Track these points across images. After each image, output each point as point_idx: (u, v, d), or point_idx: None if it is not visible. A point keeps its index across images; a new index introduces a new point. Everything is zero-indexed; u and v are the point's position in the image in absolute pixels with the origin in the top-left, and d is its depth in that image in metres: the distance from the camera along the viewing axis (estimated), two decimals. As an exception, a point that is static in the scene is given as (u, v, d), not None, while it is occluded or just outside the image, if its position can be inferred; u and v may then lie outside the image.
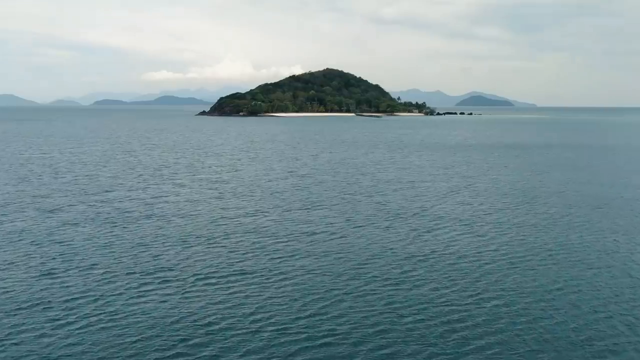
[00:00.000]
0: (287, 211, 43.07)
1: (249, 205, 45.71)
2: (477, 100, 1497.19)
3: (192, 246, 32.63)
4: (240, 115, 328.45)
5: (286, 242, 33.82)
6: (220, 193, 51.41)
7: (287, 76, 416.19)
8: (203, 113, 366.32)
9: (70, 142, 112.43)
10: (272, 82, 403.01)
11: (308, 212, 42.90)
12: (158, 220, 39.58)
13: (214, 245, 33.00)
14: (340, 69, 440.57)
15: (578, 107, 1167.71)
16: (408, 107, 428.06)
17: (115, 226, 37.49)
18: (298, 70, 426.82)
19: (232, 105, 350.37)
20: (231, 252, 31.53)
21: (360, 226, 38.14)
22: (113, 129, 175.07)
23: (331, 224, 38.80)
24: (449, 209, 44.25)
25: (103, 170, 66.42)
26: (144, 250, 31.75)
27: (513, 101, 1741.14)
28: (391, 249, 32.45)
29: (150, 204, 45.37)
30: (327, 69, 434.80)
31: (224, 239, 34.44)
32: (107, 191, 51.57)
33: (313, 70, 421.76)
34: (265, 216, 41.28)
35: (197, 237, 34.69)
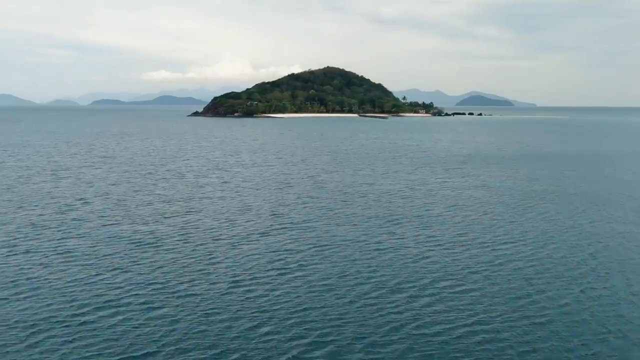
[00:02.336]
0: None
1: (177, 334, 20.31)
2: (477, 100, 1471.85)
3: None
4: (235, 116, 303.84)
5: None
6: (132, 280, 26.00)
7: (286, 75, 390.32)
8: (196, 114, 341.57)
9: (1, 153, 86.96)
10: (270, 80, 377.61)
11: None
12: None
13: None
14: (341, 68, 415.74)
15: (578, 107, 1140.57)
16: (414, 107, 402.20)
17: None
18: (297, 70, 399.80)
19: (226, 105, 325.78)
20: None
21: None
22: (79, 132, 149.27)
23: None
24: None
25: (-27, 213, 40.97)
26: None
27: (513, 101, 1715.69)
28: None
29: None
30: (328, 67, 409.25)
31: None
32: None
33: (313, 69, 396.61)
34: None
35: None
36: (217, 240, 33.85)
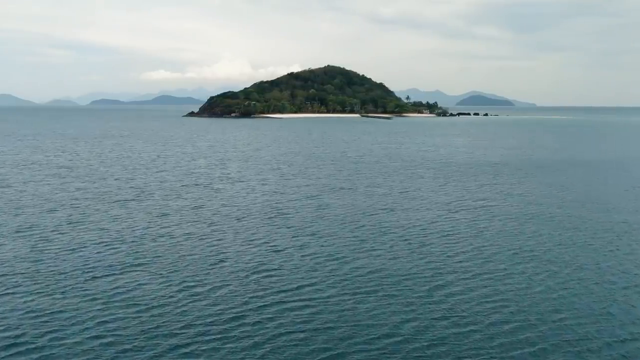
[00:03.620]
0: None
1: None
2: (477, 100, 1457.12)
3: None
4: (232, 117, 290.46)
5: None
6: None
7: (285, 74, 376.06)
8: (191, 114, 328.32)
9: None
10: (269, 79, 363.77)
11: None
12: None
13: None
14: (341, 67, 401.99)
15: (578, 107, 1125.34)
16: (418, 107, 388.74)
17: None
18: (296, 70, 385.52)
19: (223, 105, 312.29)
20: None
21: None
22: (57, 135, 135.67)
23: None
24: None
25: None
26: None
27: (513, 101, 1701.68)
28: None
29: None
30: (328, 66, 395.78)
31: None
32: None
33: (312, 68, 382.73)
34: None
35: None
36: (161, 330, 20.37)
